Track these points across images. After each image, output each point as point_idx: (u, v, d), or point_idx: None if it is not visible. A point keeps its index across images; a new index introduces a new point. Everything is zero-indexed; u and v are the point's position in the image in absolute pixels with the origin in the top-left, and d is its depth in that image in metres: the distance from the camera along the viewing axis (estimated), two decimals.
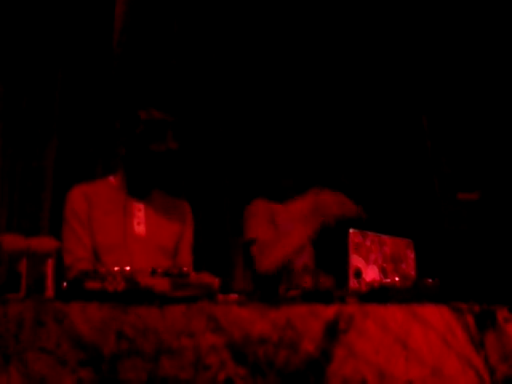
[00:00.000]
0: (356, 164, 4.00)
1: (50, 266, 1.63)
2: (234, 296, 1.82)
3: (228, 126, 4.03)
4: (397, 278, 2.22)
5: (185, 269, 1.81)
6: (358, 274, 2.20)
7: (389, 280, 2.22)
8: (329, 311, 1.61)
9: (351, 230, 2.26)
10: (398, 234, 2.43)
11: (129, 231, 2.51)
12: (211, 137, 3.98)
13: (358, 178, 3.97)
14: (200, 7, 4.01)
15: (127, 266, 1.75)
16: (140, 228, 2.54)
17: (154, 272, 1.70)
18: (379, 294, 1.96)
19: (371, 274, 2.26)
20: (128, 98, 3.69)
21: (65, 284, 1.69)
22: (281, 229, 2.91)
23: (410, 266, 2.42)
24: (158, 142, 2.49)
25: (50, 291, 1.63)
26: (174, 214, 2.65)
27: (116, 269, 1.71)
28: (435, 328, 1.73)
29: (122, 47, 3.76)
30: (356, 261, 2.24)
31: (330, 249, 3.03)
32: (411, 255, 2.44)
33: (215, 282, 1.76)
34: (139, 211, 2.57)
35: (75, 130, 3.68)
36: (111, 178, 2.64)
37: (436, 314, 1.78)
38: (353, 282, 2.16)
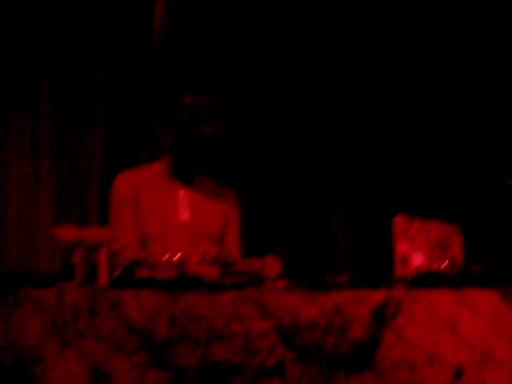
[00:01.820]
0: (403, 150, 3.96)
1: (103, 255, 1.67)
2: (281, 282, 1.84)
3: (271, 110, 4.03)
4: (444, 264, 2.21)
5: (232, 256, 1.84)
6: (405, 260, 2.19)
7: (436, 265, 2.21)
8: (377, 296, 1.62)
9: (397, 217, 2.26)
10: (446, 219, 2.41)
11: (174, 219, 2.54)
12: (254, 120, 4.00)
13: (405, 163, 3.93)
14: None
15: (174, 253, 1.78)
16: (185, 215, 2.57)
17: (202, 260, 1.74)
18: (426, 280, 1.95)
19: (418, 260, 2.25)
20: (171, 84, 3.73)
21: (117, 272, 1.74)
22: None
23: (457, 252, 2.40)
24: (204, 124, 2.53)
25: (103, 280, 1.67)
26: (220, 200, 2.67)
27: (165, 257, 1.75)
28: (484, 313, 1.72)
29: (162, 36, 3.80)
30: (402, 247, 2.23)
31: (375, 235, 3.03)
32: (458, 241, 2.42)
33: (277, 266, 1.78)
34: (185, 198, 2.60)
35: (120, 119, 3.75)
36: (156, 165, 2.67)
37: (484, 299, 1.76)
38: (399, 269, 2.16)
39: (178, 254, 1.80)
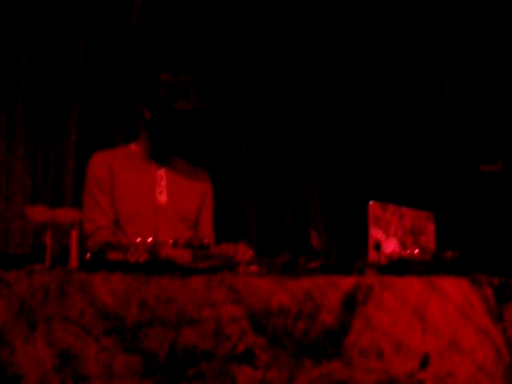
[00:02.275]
0: (377, 136, 3.98)
1: (73, 237, 1.66)
2: (254, 267, 1.84)
3: (248, 90, 4.02)
4: (416, 251, 2.23)
5: (205, 240, 1.83)
6: (378, 246, 2.21)
7: (408, 252, 2.23)
8: (347, 282, 1.63)
9: (371, 203, 2.26)
10: (419, 207, 2.43)
11: (151, 200, 2.53)
12: (230, 98, 3.99)
13: (379, 150, 3.96)
14: None
15: (149, 235, 1.78)
16: (162, 197, 2.56)
17: (175, 243, 1.73)
18: (398, 266, 1.97)
19: (391, 246, 2.27)
20: (148, 62, 3.70)
21: (88, 255, 1.73)
22: None
23: (429, 239, 2.42)
24: (182, 101, 2.51)
25: (74, 262, 1.66)
26: (196, 182, 2.66)
27: (138, 240, 1.74)
28: (453, 300, 1.74)
29: (142, 15, 3.76)
30: (375, 233, 2.24)
31: (349, 221, 3.05)
32: (431, 228, 2.44)
33: (249, 251, 1.78)
34: (161, 179, 2.59)
35: (96, 98, 3.71)
36: (133, 145, 2.65)
37: (454, 286, 1.79)
38: (372, 255, 2.17)
39: (151, 238, 1.79)
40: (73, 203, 3.43)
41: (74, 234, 1.66)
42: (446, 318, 1.68)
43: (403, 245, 2.33)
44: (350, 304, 1.60)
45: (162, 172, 2.60)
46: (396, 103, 4.04)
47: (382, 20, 4.07)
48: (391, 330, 1.57)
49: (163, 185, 2.58)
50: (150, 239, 1.76)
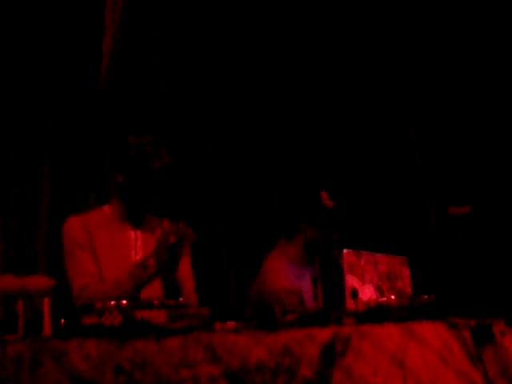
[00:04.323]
0: (345, 181, 4.02)
1: (46, 305, 1.64)
2: (231, 324, 1.83)
3: (219, 143, 4.06)
4: (393, 297, 2.23)
5: (181, 299, 1.82)
6: (355, 293, 2.21)
7: (385, 298, 2.23)
8: (325, 334, 1.62)
9: (345, 250, 2.27)
10: (392, 252, 2.45)
11: (128, 261, 2.51)
12: (201, 154, 4.02)
13: (349, 195, 3.99)
14: (184, 36, 4.06)
15: (121, 298, 1.76)
16: (137, 258, 2.55)
17: (150, 304, 1.71)
18: (376, 314, 1.96)
19: (367, 293, 2.27)
20: (115, 127, 3.74)
21: (62, 321, 1.70)
22: None
23: (405, 284, 2.43)
24: (154, 159, 2.53)
25: (47, 330, 1.63)
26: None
27: (112, 303, 1.72)
28: (432, 345, 1.74)
29: (109, 83, 3.81)
30: (351, 281, 2.25)
31: (324, 270, 3.04)
32: (406, 272, 2.45)
33: (205, 311, 1.77)
34: (137, 240, 2.59)
35: (67, 164, 3.72)
36: (106, 208, 2.65)
37: (432, 331, 1.78)
38: (349, 303, 2.17)
39: (126, 300, 1.77)
40: (45, 267, 3.40)
41: (47, 302, 1.64)
42: (426, 364, 1.67)
43: (380, 291, 2.33)
44: (329, 356, 1.59)
45: (137, 233, 2.60)
46: (362, 145, 4.09)
47: (344, 65, 4.15)
48: (372, 380, 1.56)
49: (139, 246, 2.58)
50: (124, 301, 1.74)
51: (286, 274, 2.92)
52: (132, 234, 2.59)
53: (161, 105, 3.91)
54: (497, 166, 3.54)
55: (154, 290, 2.43)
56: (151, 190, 2.54)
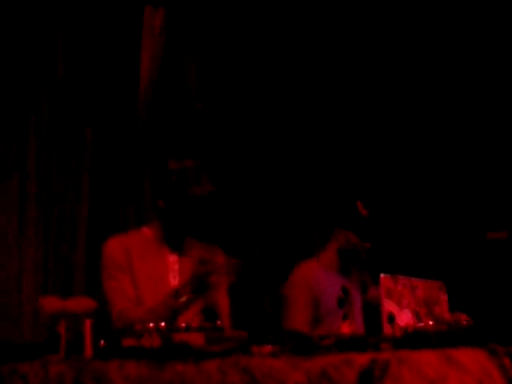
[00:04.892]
0: (383, 205, 4.00)
1: (87, 326, 1.67)
2: (268, 347, 1.83)
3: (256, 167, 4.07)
4: (431, 322, 2.22)
5: (218, 322, 1.83)
6: (392, 319, 2.20)
7: (422, 324, 2.22)
8: (363, 359, 1.61)
9: (382, 275, 2.27)
10: (430, 277, 2.43)
11: (165, 285, 2.52)
12: (241, 179, 4.03)
13: (387, 220, 3.97)
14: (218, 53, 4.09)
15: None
16: (175, 281, 2.56)
17: (188, 327, 1.73)
18: (413, 339, 1.95)
19: (405, 318, 2.26)
20: (156, 150, 3.76)
21: (102, 342, 1.73)
22: None
23: (443, 309, 2.41)
24: (195, 186, 2.54)
25: (88, 351, 1.66)
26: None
27: (151, 325, 1.75)
28: (471, 372, 1.72)
29: (147, 107, 3.86)
30: (389, 306, 2.24)
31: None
32: (444, 297, 2.43)
33: (243, 334, 1.78)
34: (174, 264, 2.60)
35: (106, 185, 3.76)
36: (145, 229, 2.66)
37: (472, 358, 1.76)
38: (387, 328, 2.16)
39: (164, 322, 1.79)
40: (85, 286, 3.44)
41: (88, 323, 1.67)
42: None
43: (417, 316, 2.32)
44: (367, 381, 1.58)
45: (174, 256, 2.61)
46: (397, 168, 4.07)
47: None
48: None
49: (176, 269, 2.59)
50: (163, 323, 1.76)
51: (316, 277, 2.92)
52: (171, 257, 2.60)
53: (198, 125, 3.94)
54: None
55: (192, 315, 2.45)
56: (190, 216, 2.55)
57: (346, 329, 2.82)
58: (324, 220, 3.11)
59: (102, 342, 1.73)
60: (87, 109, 3.78)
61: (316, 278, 2.95)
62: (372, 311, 2.86)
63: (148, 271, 2.53)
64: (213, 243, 2.79)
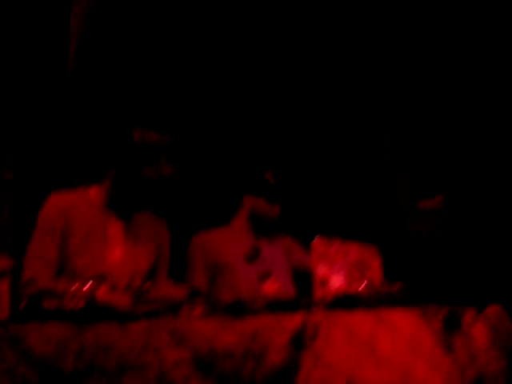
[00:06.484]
0: (317, 170, 3.98)
1: (4, 286, 1.57)
2: (198, 308, 1.77)
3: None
4: (362, 285, 2.20)
5: (146, 283, 1.76)
6: (324, 282, 2.17)
7: (355, 287, 2.20)
8: (294, 320, 1.58)
9: (316, 239, 2.24)
10: (363, 240, 2.42)
11: (102, 256, 2.34)
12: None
13: (320, 183, 3.95)
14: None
15: (84, 282, 1.67)
16: (115, 253, 2.40)
17: (112, 288, 1.65)
18: (345, 302, 1.93)
19: (337, 281, 2.24)
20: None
21: (22, 304, 1.63)
22: None
23: (375, 272, 2.41)
24: (150, 166, 2.35)
25: (5, 312, 1.56)
26: (153, 237, 2.48)
27: (75, 286, 1.66)
28: (403, 333, 1.72)
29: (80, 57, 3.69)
30: (321, 269, 2.21)
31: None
32: (377, 261, 2.43)
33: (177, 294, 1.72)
34: (117, 235, 2.39)
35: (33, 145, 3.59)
36: (93, 190, 2.44)
37: (403, 319, 1.76)
38: (319, 291, 2.14)
39: (89, 283, 1.71)
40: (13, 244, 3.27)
41: (5, 283, 1.56)
42: (397, 351, 1.64)
43: (350, 280, 2.30)
44: (299, 342, 1.55)
45: (118, 226, 2.40)
46: (334, 135, 4.05)
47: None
48: (342, 366, 1.52)
49: (118, 240, 2.38)
50: (87, 285, 1.68)
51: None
52: (114, 226, 2.39)
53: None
54: (471, 155, 3.52)
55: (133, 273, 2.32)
56: (140, 197, 2.38)
57: (269, 288, 2.80)
58: (233, 187, 3.04)
59: (23, 304, 1.63)
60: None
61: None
62: (302, 275, 2.85)
63: (85, 239, 2.33)
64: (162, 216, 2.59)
